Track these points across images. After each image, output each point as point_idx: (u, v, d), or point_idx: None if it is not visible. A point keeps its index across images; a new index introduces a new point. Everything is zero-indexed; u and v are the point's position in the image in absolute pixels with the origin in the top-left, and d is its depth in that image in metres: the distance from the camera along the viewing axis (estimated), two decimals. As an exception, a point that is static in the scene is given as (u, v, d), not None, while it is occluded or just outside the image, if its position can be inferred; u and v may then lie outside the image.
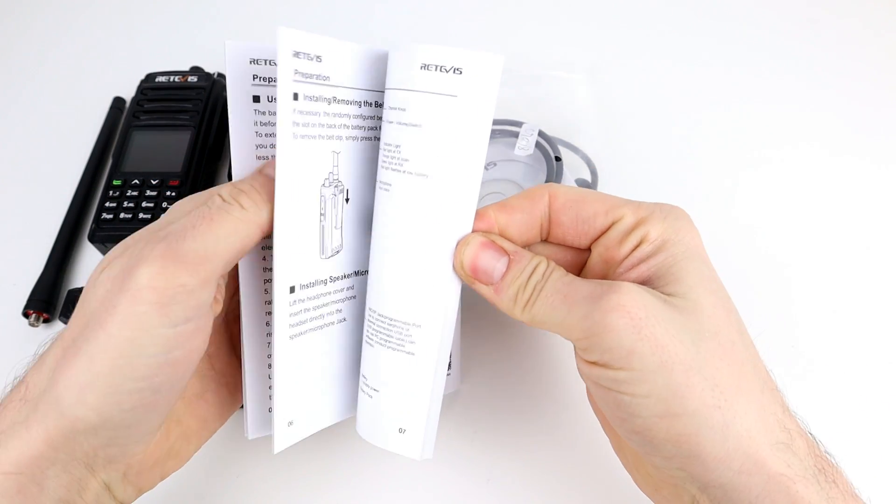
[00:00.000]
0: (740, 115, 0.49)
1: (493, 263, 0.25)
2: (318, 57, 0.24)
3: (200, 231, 0.22)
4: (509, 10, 0.57)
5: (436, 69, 0.25)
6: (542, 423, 0.35)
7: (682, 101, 0.50)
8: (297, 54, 0.24)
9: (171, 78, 0.48)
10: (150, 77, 0.48)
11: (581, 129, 0.48)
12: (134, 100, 0.47)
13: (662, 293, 0.24)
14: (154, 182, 0.43)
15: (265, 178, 0.25)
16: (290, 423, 0.28)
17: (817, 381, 0.37)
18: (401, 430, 0.28)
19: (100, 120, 0.50)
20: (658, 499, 0.27)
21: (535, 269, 0.25)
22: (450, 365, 0.31)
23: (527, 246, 0.28)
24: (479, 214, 0.27)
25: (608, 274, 0.27)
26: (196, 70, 0.49)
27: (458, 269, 0.26)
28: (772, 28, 0.54)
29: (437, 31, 0.56)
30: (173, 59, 0.52)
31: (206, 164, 0.45)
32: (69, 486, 0.22)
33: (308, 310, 0.27)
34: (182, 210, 0.24)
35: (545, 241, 0.28)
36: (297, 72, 0.24)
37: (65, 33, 0.57)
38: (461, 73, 0.25)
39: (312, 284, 0.27)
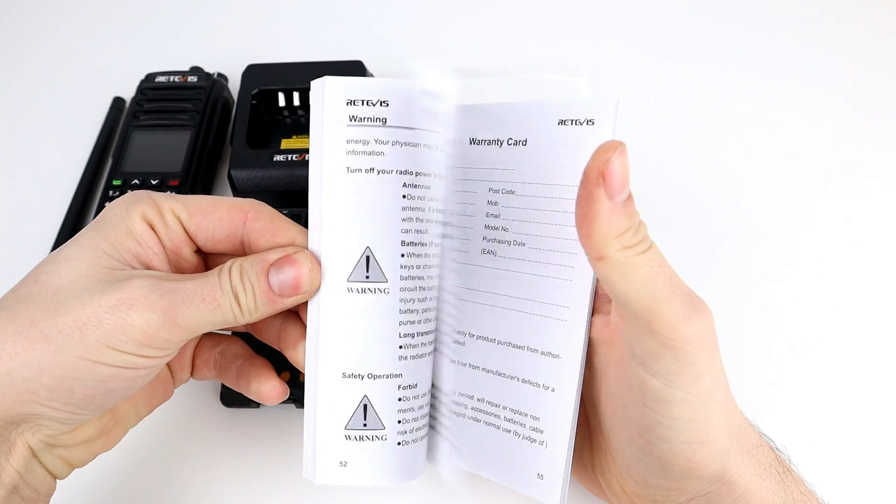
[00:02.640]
0: (748, 119, 0.49)
1: (626, 177, 0.21)
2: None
3: (205, 308, 0.24)
4: (508, 11, 0.57)
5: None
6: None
7: (686, 102, 0.50)
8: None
9: (171, 78, 0.48)
10: (150, 77, 0.48)
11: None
12: (134, 100, 0.47)
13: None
14: (154, 182, 0.43)
15: (269, 291, 0.25)
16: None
17: (816, 381, 0.37)
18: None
19: (100, 120, 0.50)
20: None
21: (642, 225, 0.22)
22: None
23: None
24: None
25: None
26: (196, 70, 0.49)
27: (591, 168, 0.21)
28: (785, 32, 0.54)
29: (435, 33, 0.56)
30: (173, 59, 0.52)
31: (205, 164, 0.45)
32: None
33: None
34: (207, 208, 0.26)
35: None
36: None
37: (65, 33, 0.57)
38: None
39: None
